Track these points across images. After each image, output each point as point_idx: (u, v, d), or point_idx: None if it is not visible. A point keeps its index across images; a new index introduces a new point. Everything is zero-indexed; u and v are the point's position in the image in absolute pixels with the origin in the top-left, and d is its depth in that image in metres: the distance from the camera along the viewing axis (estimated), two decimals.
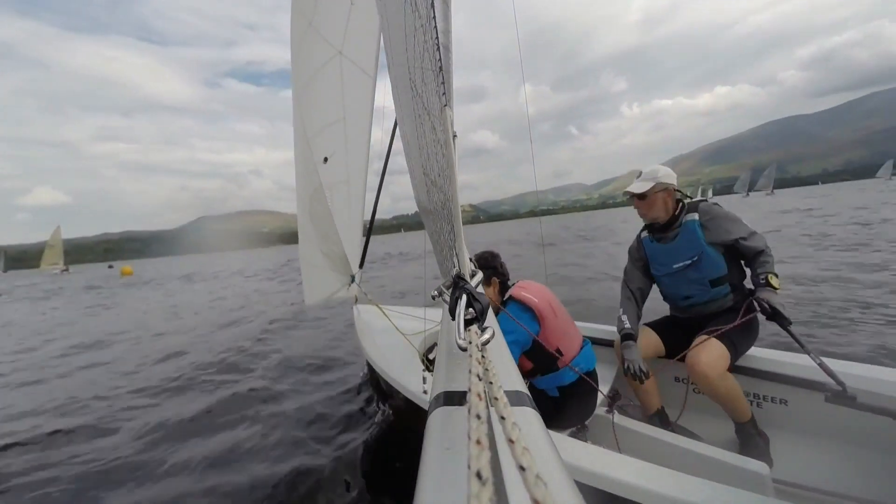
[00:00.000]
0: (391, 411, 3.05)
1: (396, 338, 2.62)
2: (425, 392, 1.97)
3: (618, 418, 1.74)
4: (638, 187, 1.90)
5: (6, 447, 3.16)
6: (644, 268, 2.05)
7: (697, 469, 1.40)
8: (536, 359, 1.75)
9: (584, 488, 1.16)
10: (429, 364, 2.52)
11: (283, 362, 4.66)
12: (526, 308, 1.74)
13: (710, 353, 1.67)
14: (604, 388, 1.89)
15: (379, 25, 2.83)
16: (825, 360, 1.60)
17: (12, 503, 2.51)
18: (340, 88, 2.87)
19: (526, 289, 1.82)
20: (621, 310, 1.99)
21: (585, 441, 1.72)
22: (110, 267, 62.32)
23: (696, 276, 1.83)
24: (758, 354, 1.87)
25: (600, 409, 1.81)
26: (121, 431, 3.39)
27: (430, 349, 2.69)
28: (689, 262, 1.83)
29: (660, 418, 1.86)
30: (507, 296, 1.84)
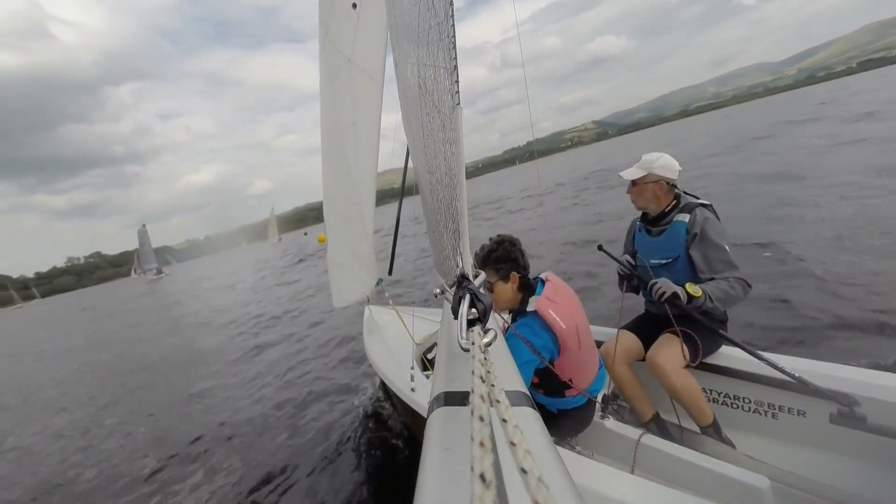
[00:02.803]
0: (392, 409, 3.06)
1: (401, 338, 2.62)
2: (413, 390, 1.97)
3: (611, 424, 1.70)
4: (630, 173, 1.85)
5: None
6: (634, 254, 2.07)
7: (691, 481, 1.36)
8: (544, 380, 1.60)
9: None
10: (428, 364, 2.51)
11: None
12: (549, 328, 1.49)
13: (667, 348, 1.71)
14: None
15: (385, 30, 2.85)
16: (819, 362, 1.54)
17: None
18: (351, 95, 2.93)
19: (555, 304, 1.53)
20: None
21: (574, 447, 1.70)
22: (305, 234, 68.59)
23: (671, 279, 1.80)
24: (774, 361, 1.73)
25: (595, 415, 1.76)
26: None
27: (430, 349, 2.69)
28: (665, 261, 1.83)
29: (657, 425, 1.81)
30: (531, 307, 1.55)
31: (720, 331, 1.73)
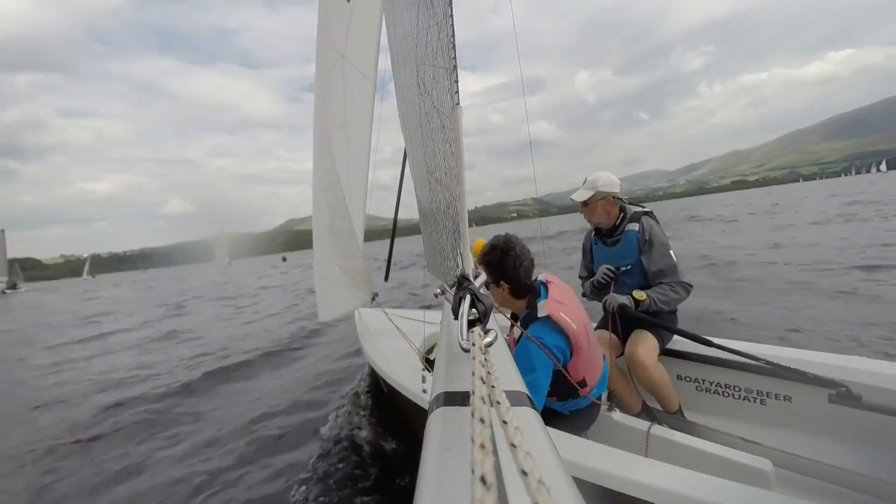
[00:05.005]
0: (392, 412, 3.05)
1: (398, 340, 2.62)
2: (425, 391, 1.97)
3: (619, 416, 1.74)
4: (580, 195, 2.07)
5: None
6: (592, 263, 2.27)
7: (699, 466, 1.41)
8: (557, 386, 1.54)
9: (585, 485, 1.14)
10: (429, 364, 2.52)
11: None
12: (561, 330, 1.48)
13: (643, 344, 1.88)
14: None
15: (378, 26, 2.77)
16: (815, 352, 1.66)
17: None
18: (343, 93, 2.81)
19: (563, 305, 1.52)
20: (586, 284, 2.24)
21: (586, 437, 1.73)
22: (284, 259, 66.78)
23: (630, 282, 2.03)
24: (761, 351, 1.81)
25: (602, 407, 1.80)
26: None
27: (431, 350, 2.69)
28: (625, 268, 2.04)
29: (647, 414, 1.91)
30: (542, 312, 1.51)
31: (675, 326, 1.98)
